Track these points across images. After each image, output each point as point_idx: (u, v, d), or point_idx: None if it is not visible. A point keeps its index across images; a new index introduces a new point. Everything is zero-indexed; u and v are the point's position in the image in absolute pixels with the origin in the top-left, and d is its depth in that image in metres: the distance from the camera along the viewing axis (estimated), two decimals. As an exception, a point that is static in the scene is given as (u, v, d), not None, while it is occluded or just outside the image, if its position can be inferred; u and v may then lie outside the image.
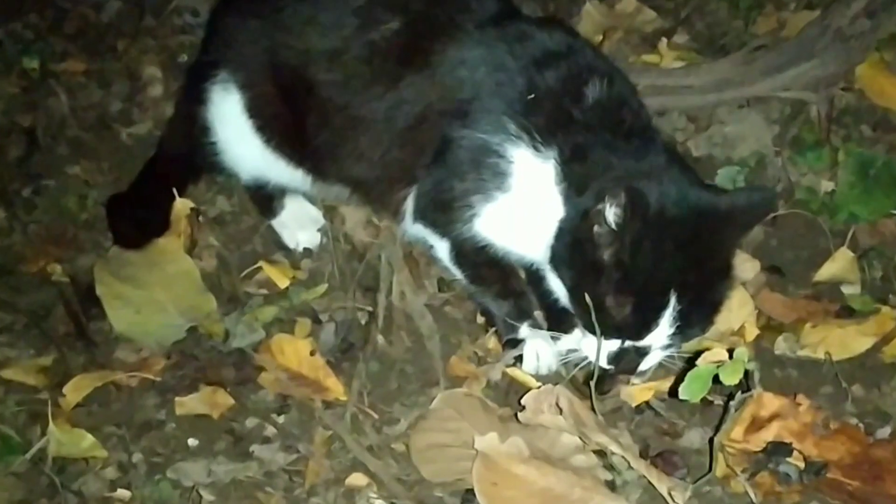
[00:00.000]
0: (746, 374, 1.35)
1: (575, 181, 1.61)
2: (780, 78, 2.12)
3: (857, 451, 1.59)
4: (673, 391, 1.50)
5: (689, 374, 1.38)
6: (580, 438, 1.53)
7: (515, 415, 1.62)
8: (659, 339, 1.55)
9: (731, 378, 1.34)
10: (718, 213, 1.55)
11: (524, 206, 1.67)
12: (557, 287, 1.64)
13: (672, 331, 1.54)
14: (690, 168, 1.67)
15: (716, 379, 1.37)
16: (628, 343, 1.56)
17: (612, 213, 1.51)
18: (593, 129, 1.62)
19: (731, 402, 1.43)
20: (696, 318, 1.55)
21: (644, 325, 1.55)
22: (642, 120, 1.66)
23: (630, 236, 1.52)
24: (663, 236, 1.53)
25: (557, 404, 1.54)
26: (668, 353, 1.58)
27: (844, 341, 1.80)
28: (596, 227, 1.54)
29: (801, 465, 1.57)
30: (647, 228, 1.52)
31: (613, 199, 1.51)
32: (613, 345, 1.58)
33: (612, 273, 1.55)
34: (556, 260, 1.61)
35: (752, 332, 1.79)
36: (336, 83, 1.78)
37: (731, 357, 1.36)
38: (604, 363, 1.58)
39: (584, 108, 1.63)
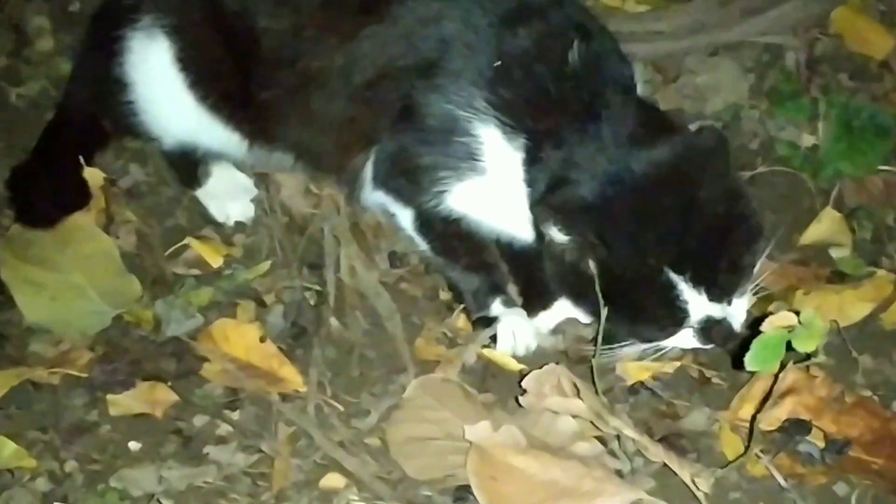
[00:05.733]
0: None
1: (534, 187, 1.60)
2: (760, 20, 2.13)
3: (877, 426, 1.60)
4: (736, 362, 1.48)
5: (757, 341, 1.35)
6: (591, 423, 1.49)
7: (503, 400, 1.58)
8: (704, 307, 1.54)
9: (807, 345, 1.32)
10: (663, 171, 1.54)
11: (501, 190, 1.64)
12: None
13: (711, 294, 1.53)
14: (641, 125, 1.62)
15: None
16: (695, 322, 1.55)
17: (561, 238, 1.53)
18: (556, 113, 1.59)
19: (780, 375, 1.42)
20: (719, 268, 1.54)
21: (675, 310, 1.54)
22: (601, 88, 1.62)
23: (589, 242, 1.52)
24: (623, 218, 1.52)
25: (559, 386, 1.50)
26: (749, 293, 1.58)
27: (842, 308, 1.80)
28: (564, 252, 1.55)
29: (822, 443, 1.57)
30: (603, 221, 1.52)
31: (546, 224, 1.53)
32: (687, 333, 1.56)
33: (605, 281, 1.54)
34: (552, 281, 1.63)
35: (749, 301, 1.78)
36: (285, 32, 1.71)
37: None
38: (699, 345, 1.58)
39: (560, 79, 1.60)
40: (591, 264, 1.53)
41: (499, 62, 1.60)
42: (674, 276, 1.52)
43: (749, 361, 1.37)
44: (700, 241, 1.53)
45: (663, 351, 1.62)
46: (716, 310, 1.56)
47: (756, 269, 1.61)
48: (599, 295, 1.53)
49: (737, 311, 1.58)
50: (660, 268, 1.52)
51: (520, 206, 1.63)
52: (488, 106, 1.59)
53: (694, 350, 1.73)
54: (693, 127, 1.94)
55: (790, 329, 1.36)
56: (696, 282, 1.52)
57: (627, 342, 1.62)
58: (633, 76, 1.69)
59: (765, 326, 1.38)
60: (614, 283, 1.53)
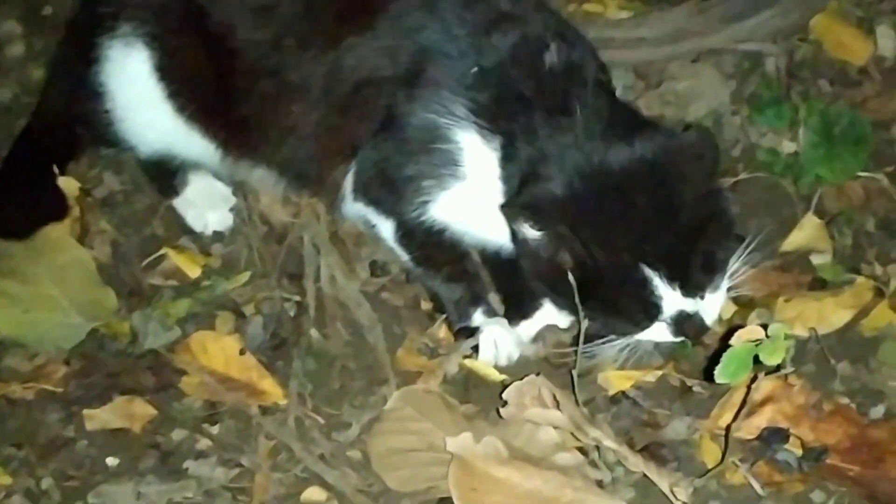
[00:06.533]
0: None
1: (508, 184, 1.63)
2: (739, 27, 2.16)
3: (854, 432, 1.63)
4: (707, 374, 1.52)
5: (726, 354, 1.40)
6: (571, 434, 1.53)
7: (486, 410, 1.62)
8: (678, 301, 1.58)
9: (773, 357, 1.37)
10: (643, 167, 1.58)
11: (482, 195, 1.67)
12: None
13: (684, 289, 1.57)
14: (617, 121, 1.65)
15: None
16: (668, 316, 1.59)
17: (533, 235, 1.56)
18: (530, 110, 1.63)
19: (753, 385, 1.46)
20: (693, 265, 1.58)
21: (649, 305, 1.57)
22: (575, 85, 1.66)
23: (561, 235, 1.56)
24: (596, 213, 1.56)
25: (540, 397, 1.54)
26: (727, 288, 1.62)
27: (822, 315, 1.83)
28: (538, 247, 1.59)
29: (799, 451, 1.61)
30: (574, 215, 1.55)
31: (517, 222, 1.56)
32: (660, 327, 1.60)
33: (580, 274, 1.57)
34: (530, 278, 1.66)
35: (729, 309, 1.82)
36: (266, 44, 1.74)
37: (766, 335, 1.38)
38: (672, 339, 1.63)
39: (536, 80, 1.64)
40: (566, 258, 1.57)
41: (476, 68, 1.64)
42: (648, 272, 1.56)
43: (719, 374, 1.42)
44: (675, 237, 1.57)
45: (638, 350, 1.66)
46: (689, 304, 1.60)
47: (730, 266, 1.65)
48: (577, 294, 1.57)
49: (709, 306, 1.63)
50: (634, 263, 1.56)
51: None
52: (467, 112, 1.63)
53: (675, 359, 1.77)
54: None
55: (758, 342, 1.40)
56: (671, 277, 1.57)
57: (604, 338, 1.65)
58: (611, 80, 1.73)
59: (734, 340, 1.42)
60: (588, 277, 1.57)
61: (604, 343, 1.65)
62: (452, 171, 1.66)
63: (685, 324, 1.61)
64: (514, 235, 1.64)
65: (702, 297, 1.61)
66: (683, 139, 1.62)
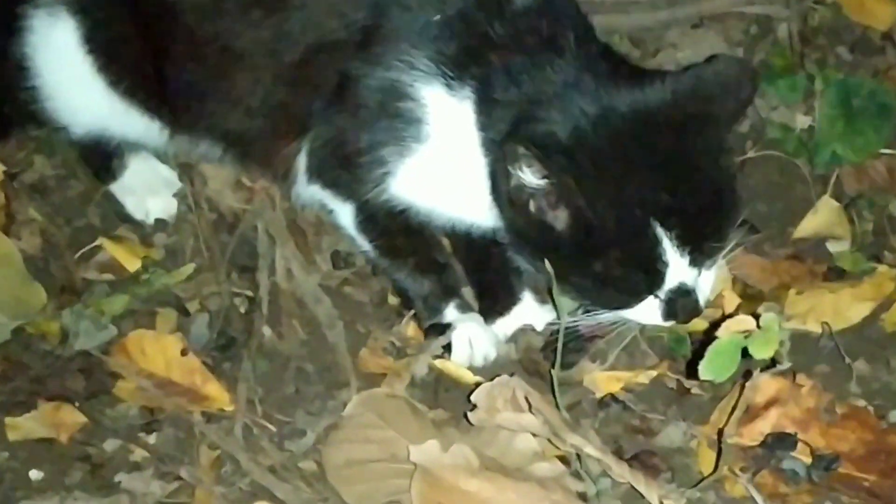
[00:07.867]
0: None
1: (492, 129, 1.61)
2: (747, -12, 2.16)
3: (870, 438, 1.62)
4: (691, 371, 1.51)
5: (711, 348, 1.38)
6: (549, 441, 1.52)
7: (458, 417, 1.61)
8: (683, 271, 1.56)
9: (763, 350, 1.36)
10: (661, 110, 1.55)
11: (449, 159, 1.66)
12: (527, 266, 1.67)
13: (693, 258, 1.55)
14: (618, 65, 1.64)
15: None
16: (663, 293, 1.57)
17: (527, 175, 1.52)
18: (507, 52, 1.61)
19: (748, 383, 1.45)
20: (708, 228, 1.56)
21: (653, 272, 1.55)
22: (559, 25, 1.63)
23: (566, 187, 1.52)
24: (605, 163, 1.53)
25: (514, 399, 1.53)
26: (719, 264, 1.61)
27: (838, 309, 1.83)
28: (529, 200, 1.55)
29: (808, 459, 1.60)
30: (580, 165, 1.52)
31: (514, 160, 1.52)
32: (652, 305, 1.59)
33: (576, 236, 1.55)
34: (509, 240, 1.64)
35: (732, 302, 1.82)
36: (204, 6, 1.73)
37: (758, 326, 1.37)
38: (661, 322, 1.61)
39: (506, 23, 1.62)
40: (563, 215, 1.54)
41: (439, 16, 1.62)
42: (659, 232, 1.53)
43: (703, 369, 1.40)
44: (695, 193, 1.54)
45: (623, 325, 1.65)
46: (690, 277, 1.58)
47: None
48: (554, 280, 1.57)
49: (703, 284, 1.62)
50: (646, 220, 1.53)
51: (472, 177, 1.64)
52: (431, 64, 1.61)
53: (671, 358, 1.76)
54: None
55: (747, 334, 1.38)
56: (683, 241, 1.54)
57: (586, 315, 1.64)
58: (593, 28, 1.70)
59: (721, 331, 1.41)
60: (587, 237, 1.54)
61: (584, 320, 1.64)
62: (415, 132, 1.64)
63: (679, 302, 1.59)
64: (499, 182, 1.59)
65: (699, 273, 1.59)
66: (714, 69, 1.57)
